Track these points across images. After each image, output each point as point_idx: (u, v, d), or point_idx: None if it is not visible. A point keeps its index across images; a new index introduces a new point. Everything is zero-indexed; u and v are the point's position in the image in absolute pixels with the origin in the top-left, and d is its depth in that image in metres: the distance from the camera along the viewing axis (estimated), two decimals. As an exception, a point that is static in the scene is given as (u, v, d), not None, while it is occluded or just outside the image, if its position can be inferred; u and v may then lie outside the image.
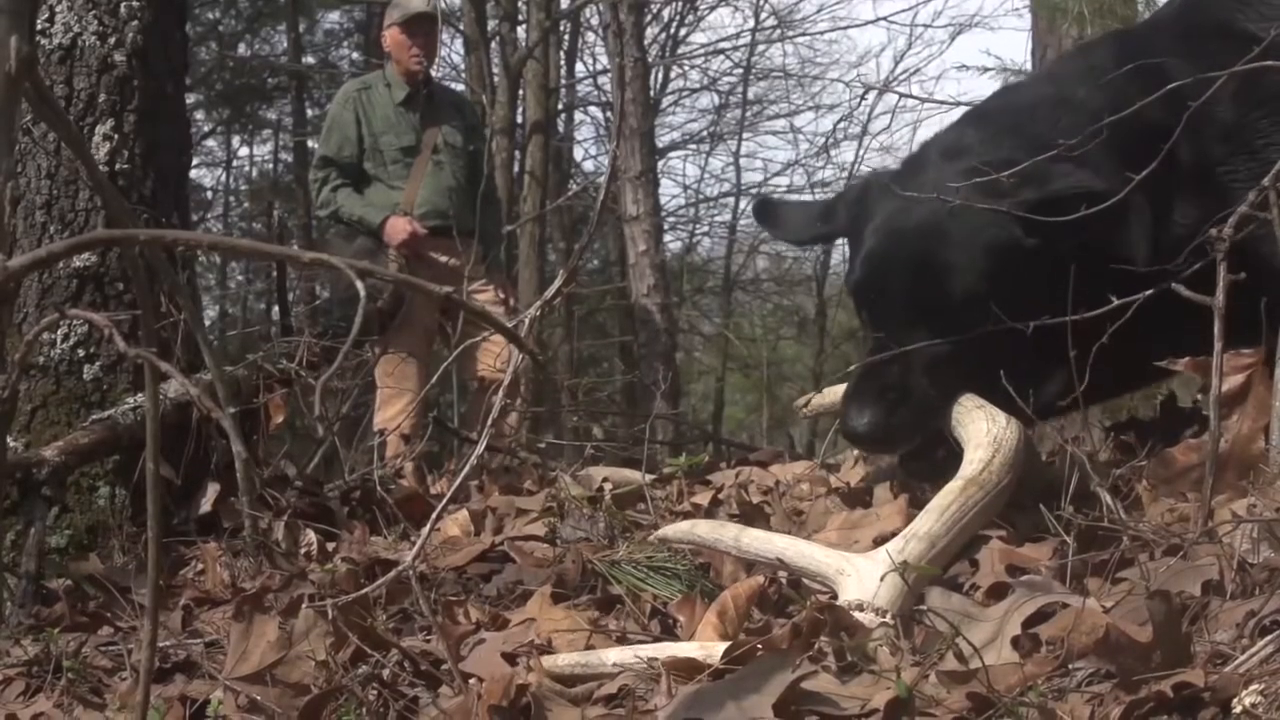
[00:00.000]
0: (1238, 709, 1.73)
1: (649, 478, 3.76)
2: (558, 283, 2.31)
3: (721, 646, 2.31)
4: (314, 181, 6.92)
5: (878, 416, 2.92)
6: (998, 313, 2.78)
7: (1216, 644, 1.97)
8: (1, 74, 1.60)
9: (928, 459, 3.00)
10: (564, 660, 2.46)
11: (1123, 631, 1.89)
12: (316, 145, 7.76)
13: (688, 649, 2.36)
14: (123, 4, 4.14)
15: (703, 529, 2.92)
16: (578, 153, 20.67)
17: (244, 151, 22.32)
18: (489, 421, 2.38)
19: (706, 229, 22.56)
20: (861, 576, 2.46)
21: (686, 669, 2.29)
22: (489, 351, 6.08)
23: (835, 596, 2.50)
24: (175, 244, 1.88)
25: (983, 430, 2.77)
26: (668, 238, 17.65)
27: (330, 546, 3.69)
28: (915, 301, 2.95)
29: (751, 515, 3.21)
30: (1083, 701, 1.89)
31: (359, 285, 1.44)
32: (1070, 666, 2.00)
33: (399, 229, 6.55)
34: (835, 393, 3.43)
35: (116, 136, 4.08)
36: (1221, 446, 2.50)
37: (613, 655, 2.44)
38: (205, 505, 3.89)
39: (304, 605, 2.67)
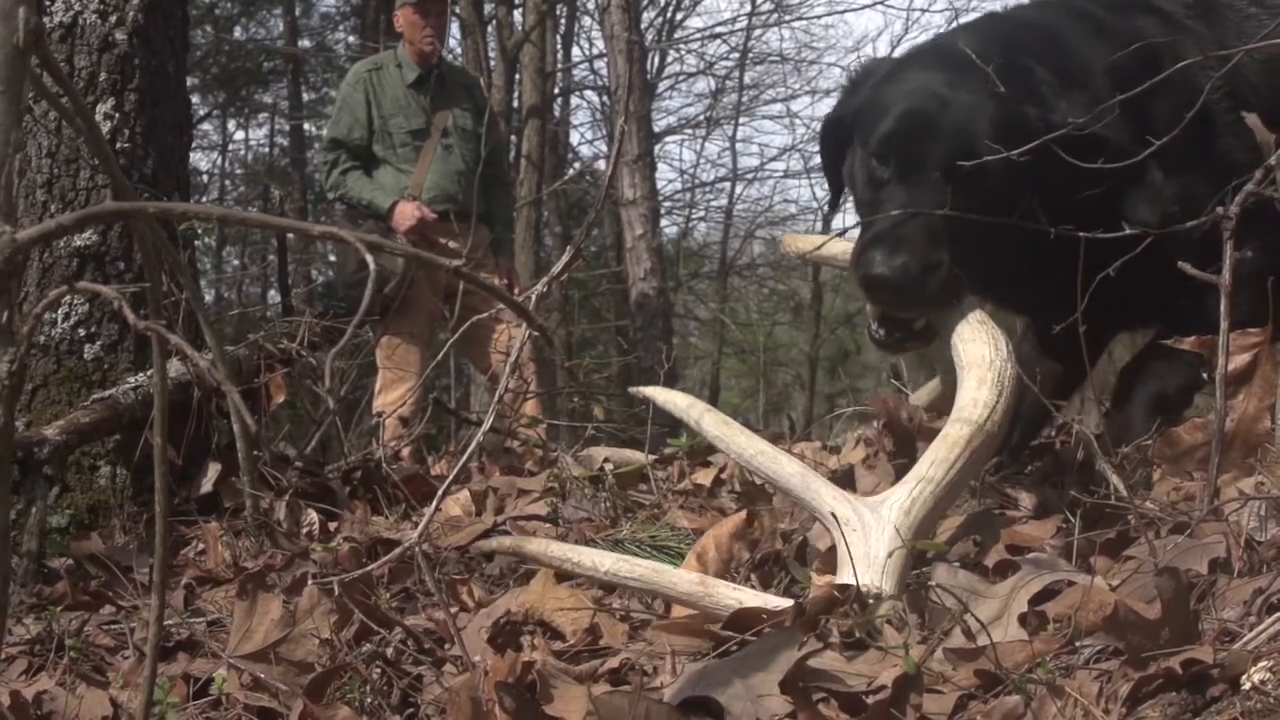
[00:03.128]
0: (1246, 685, 1.73)
1: (650, 458, 3.76)
2: (565, 258, 2.30)
3: (720, 584, 2.31)
4: (323, 164, 6.88)
5: (904, 262, 2.74)
6: (1037, 210, 2.71)
7: (1224, 621, 1.97)
8: (10, 47, 1.59)
9: (906, 329, 2.90)
10: (556, 550, 2.43)
11: (1131, 609, 1.89)
12: (325, 127, 7.71)
13: (688, 580, 2.35)
14: (123, -18, 4.13)
15: (710, 423, 2.75)
16: (574, 137, 20.69)
17: (240, 135, 22.35)
18: (495, 401, 2.37)
19: (703, 214, 22.60)
20: (867, 532, 2.39)
21: (684, 630, 2.29)
22: (498, 341, 6.10)
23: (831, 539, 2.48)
24: (185, 217, 1.88)
25: (985, 358, 2.67)
26: (663, 223, 17.65)
27: (332, 526, 3.70)
28: (947, 163, 2.81)
29: (754, 495, 3.21)
30: (1090, 678, 1.89)
31: (369, 260, 1.43)
32: (1078, 644, 2.01)
33: (407, 214, 6.52)
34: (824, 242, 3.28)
35: (117, 115, 4.07)
36: (1227, 425, 2.50)
37: (608, 562, 2.42)
38: (206, 485, 3.89)
39: (309, 583, 2.67)
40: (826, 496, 2.51)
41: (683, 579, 2.36)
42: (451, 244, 6.37)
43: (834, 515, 2.45)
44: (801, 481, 2.56)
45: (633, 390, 3.17)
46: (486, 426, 2.33)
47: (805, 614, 2.23)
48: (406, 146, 6.73)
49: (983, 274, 2.83)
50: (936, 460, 2.54)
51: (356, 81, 6.85)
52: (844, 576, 2.36)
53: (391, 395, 6.38)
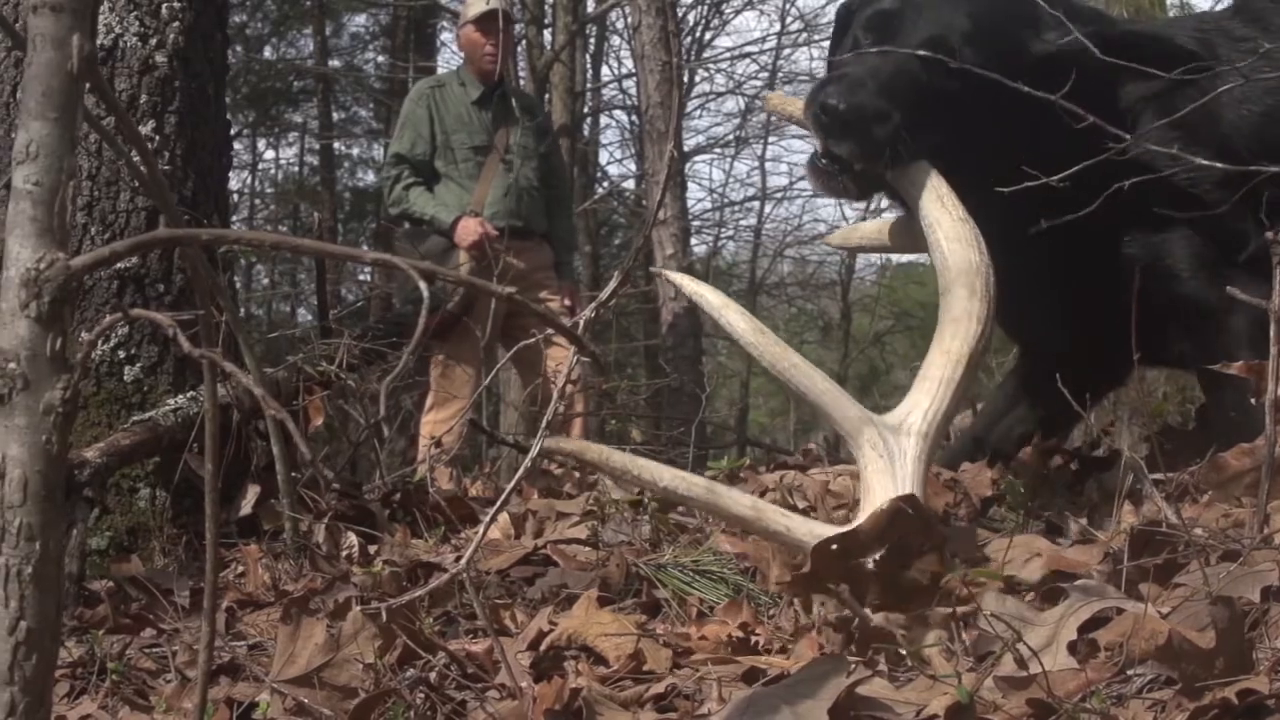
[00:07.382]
0: (1303, 715, 1.72)
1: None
2: (613, 284, 2.30)
3: (770, 509, 2.37)
4: (386, 179, 6.92)
5: (858, 101, 2.90)
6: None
7: (1278, 651, 1.95)
8: (63, 74, 1.59)
9: (846, 169, 3.03)
10: (616, 459, 2.49)
11: (1185, 637, 1.87)
12: (389, 143, 7.77)
13: (741, 503, 2.42)
14: (164, 5, 4.13)
15: (743, 328, 2.85)
16: (603, 156, 20.72)
17: (270, 154, 22.44)
18: (542, 426, 2.37)
19: (731, 233, 22.60)
20: (892, 459, 2.52)
21: (724, 661, 2.29)
22: (549, 364, 6.11)
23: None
24: (238, 243, 1.88)
25: (972, 264, 2.78)
26: (692, 242, 17.63)
27: (371, 549, 3.69)
28: (925, 45, 2.97)
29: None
30: (1144, 708, 1.88)
31: (422, 286, 1.43)
32: (1130, 672, 1.99)
33: (470, 230, 6.54)
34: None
35: (158, 138, 4.08)
36: (1276, 451, 2.48)
37: (666, 477, 2.52)
38: (246, 507, 3.89)
39: (353, 607, 2.67)
40: (852, 414, 2.65)
41: (736, 501, 2.48)
42: (514, 260, 6.35)
43: (859, 435, 2.62)
44: (832, 399, 2.68)
45: (654, 270, 3.24)
46: (535, 452, 2.32)
47: (854, 639, 2.23)
48: (469, 162, 6.77)
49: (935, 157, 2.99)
50: (946, 380, 2.67)
51: (419, 97, 6.91)
52: (868, 504, 2.50)
53: (441, 414, 6.41)
